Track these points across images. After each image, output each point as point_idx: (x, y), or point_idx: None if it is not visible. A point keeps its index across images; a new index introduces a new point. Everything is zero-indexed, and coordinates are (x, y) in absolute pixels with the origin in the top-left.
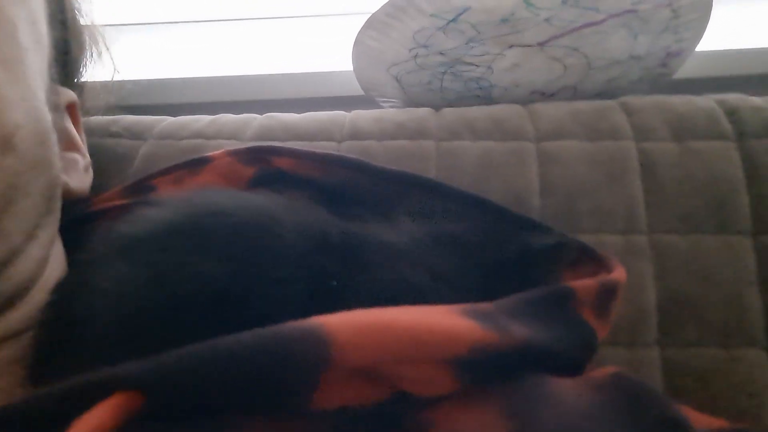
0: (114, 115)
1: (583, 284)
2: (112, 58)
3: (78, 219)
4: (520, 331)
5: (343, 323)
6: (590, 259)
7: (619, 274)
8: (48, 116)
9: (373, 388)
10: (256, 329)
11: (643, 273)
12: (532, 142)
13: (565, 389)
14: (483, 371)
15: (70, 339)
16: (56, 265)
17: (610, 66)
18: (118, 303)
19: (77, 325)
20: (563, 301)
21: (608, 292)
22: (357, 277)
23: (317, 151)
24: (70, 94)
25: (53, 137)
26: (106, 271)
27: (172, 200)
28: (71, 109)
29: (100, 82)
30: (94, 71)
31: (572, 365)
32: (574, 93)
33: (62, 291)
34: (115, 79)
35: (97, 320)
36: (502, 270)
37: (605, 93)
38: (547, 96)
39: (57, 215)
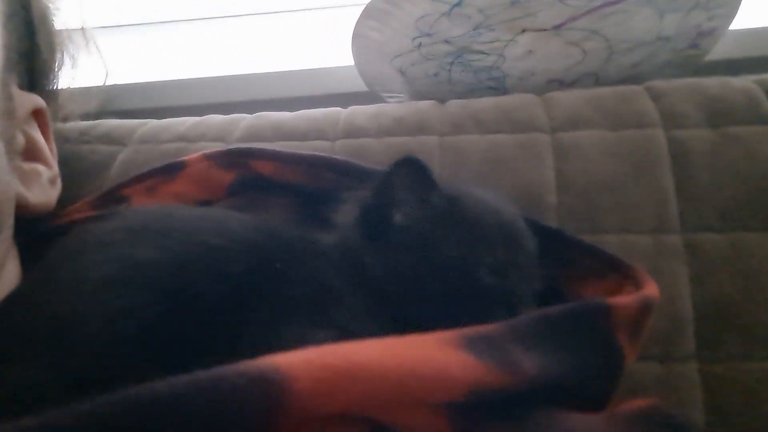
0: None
1: (621, 302)
2: (103, 62)
3: (42, 234)
4: (531, 363)
5: (304, 366)
6: (611, 269)
7: (652, 289)
8: None
9: (350, 426)
10: (197, 372)
11: (677, 277)
12: (546, 133)
13: (580, 425)
14: (483, 413)
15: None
16: (7, 282)
17: (635, 49)
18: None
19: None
20: (594, 320)
21: (645, 312)
22: (303, 265)
23: (303, 153)
24: (35, 100)
25: None
26: (57, 277)
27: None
28: (38, 116)
29: (80, 88)
30: (78, 75)
31: (595, 396)
32: (596, 81)
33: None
34: (99, 83)
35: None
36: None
37: (630, 80)
38: (566, 85)
39: (8, 233)
